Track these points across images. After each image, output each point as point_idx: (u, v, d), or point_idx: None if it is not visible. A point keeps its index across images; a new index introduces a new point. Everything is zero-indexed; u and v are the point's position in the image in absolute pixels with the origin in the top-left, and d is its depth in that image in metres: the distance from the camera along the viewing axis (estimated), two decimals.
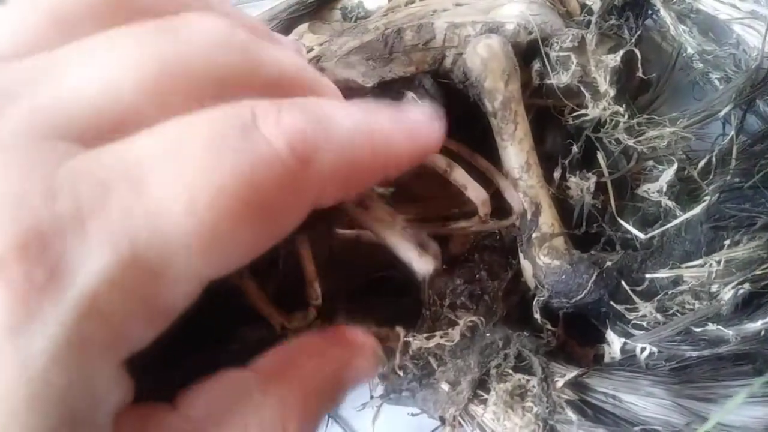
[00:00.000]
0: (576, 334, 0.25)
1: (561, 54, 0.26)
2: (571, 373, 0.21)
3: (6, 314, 0.10)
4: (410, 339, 0.21)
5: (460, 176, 0.22)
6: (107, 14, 0.14)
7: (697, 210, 0.25)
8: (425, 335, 0.21)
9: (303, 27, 0.30)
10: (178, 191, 0.11)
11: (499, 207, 0.25)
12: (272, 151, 0.12)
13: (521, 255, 0.26)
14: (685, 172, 0.27)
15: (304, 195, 0.13)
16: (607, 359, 0.23)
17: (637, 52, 0.27)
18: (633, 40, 0.27)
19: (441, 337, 0.21)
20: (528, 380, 0.21)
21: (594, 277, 0.25)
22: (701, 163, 0.27)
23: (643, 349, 0.23)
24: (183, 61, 0.13)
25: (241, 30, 0.14)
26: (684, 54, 0.30)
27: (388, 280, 0.23)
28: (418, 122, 0.16)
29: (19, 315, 0.10)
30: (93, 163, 0.11)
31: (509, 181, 0.25)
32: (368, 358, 0.16)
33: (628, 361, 0.23)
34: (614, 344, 0.23)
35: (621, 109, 0.27)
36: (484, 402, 0.21)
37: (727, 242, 0.25)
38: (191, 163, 0.12)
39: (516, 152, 0.26)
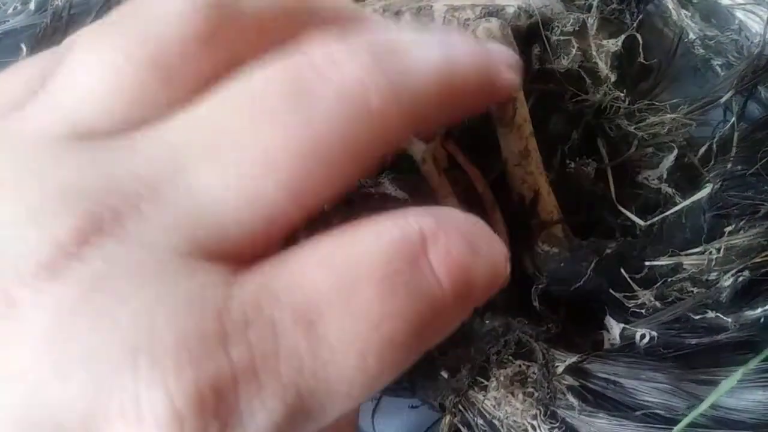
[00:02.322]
0: (575, 322, 0.25)
1: (562, 38, 0.26)
2: (572, 358, 0.21)
3: None
4: None
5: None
6: (205, 50, 0.12)
7: (697, 196, 0.25)
8: None
9: None
10: (349, 341, 0.11)
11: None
12: (441, 294, 0.12)
13: (520, 242, 0.26)
14: (686, 159, 0.27)
15: (452, 327, 0.13)
16: (606, 345, 0.23)
17: (639, 37, 0.27)
18: (634, 25, 0.27)
19: None
20: (528, 366, 0.21)
21: (593, 264, 0.25)
22: (702, 150, 0.27)
23: (642, 336, 0.23)
24: (323, 147, 0.12)
25: (375, 87, 0.12)
26: (685, 40, 0.30)
27: None
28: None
29: None
30: (258, 297, 0.11)
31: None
32: None
33: (628, 347, 0.23)
34: (613, 329, 0.23)
35: (621, 95, 0.26)
36: (485, 388, 0.21)
37: (727, 229, 0.24)
38: (364, 309, 0.11)
39: (515, 138, 0.26)
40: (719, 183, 0.25)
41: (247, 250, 0.11)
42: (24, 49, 0.29)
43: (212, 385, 0.10)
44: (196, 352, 0.10)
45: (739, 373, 0.20)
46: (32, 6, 0.32)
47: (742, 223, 0.24)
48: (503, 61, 0.16)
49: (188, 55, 0.12)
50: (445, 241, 0.12)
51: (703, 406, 0.20)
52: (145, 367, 0.10)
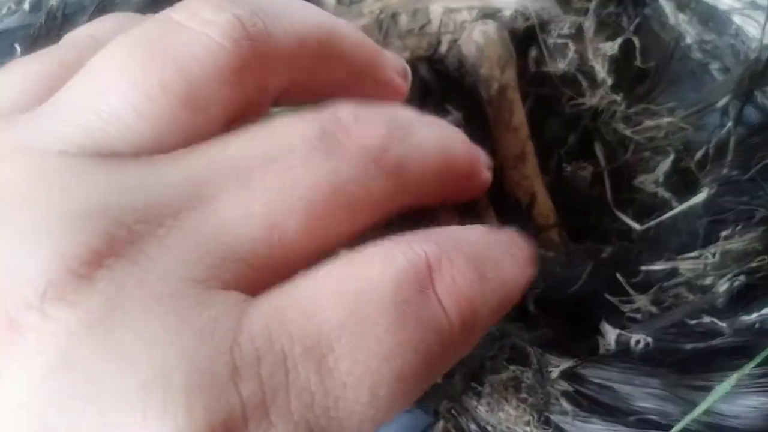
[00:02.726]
0: (571, 326, 0.25)
1: (558, 41, 0.26)
2: (566, 363, 0.21)
3: None
4: None
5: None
6: (235, 80, 0.13)
7: (693, 201, 0.25)
8: None
9: None
10: (360, 375, 0.11)
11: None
12: (448, 325, 0.12)
13: None
14: (682, 163, 0.27)
15: (458, 357, 0.13)
16: (601, 351, 0.23)
17: (636, 41, 0.27)
18: (631, 29, 0.27)
19: None
20: (523, 371, 0.21)
21: (589, 268, 0.24)
22: (698, 155, 0.27)
23: (637, 342, 0.23)
24: (344, 191, 0.12)
25: (390, 147, 0.13)
26: (682, 44, 0.30)
27: None
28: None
29: None
30: (269, 329, 0.10)
31: None
32: None
33: (623, 353, 0.23)
34: (609, 335, 0.23)
35: (618, 99, 0.26)
36: (479, 394, 0.21)
37: (723, 234, 0.24)
38: (375, 342, 0.11)
39: (511, 141, 0.26)
40: (715, 188, 0.25)
41: (261, 281, 0.11)
42: (18, 49, 0.29)
43: (223, 425, 0.10)
44: (207, 389, 0.10)
45: (733, 379, 0.20)
46: (26, 6, 0.32)
47: (737, 228, 0.24)
48: (483, 159, 0.18)
49: (220, 87, 0.12)
50: (450, 270, 0.12)
51: (697, 412, 0.20)
52: (155, 406, 0.09)
